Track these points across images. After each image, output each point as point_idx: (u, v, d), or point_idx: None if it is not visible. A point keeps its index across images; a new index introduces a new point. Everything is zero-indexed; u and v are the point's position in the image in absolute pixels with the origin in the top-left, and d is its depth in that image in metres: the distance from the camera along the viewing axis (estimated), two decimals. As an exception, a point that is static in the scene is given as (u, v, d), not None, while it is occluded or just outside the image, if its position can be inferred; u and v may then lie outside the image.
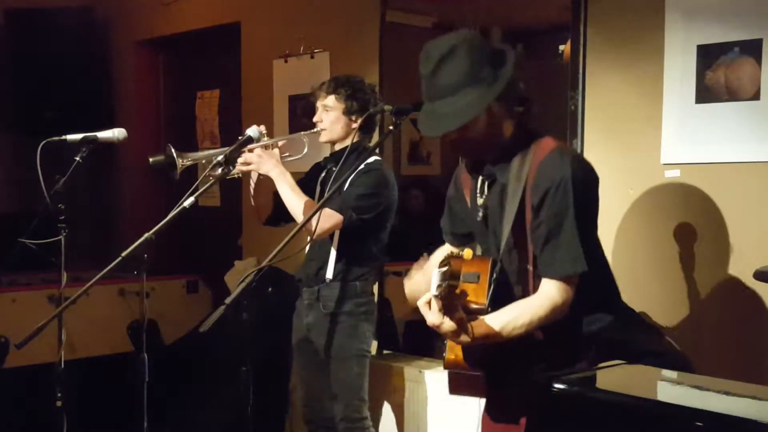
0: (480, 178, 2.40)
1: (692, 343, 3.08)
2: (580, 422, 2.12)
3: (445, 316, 2.11)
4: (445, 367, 2.33)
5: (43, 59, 5.52)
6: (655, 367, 2.46)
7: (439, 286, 2.03)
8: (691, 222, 3.14)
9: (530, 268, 2.28)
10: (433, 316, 2.12)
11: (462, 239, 2.55)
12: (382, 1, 4.17)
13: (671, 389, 2.40)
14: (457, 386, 2.43)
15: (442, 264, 2.05)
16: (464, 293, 2.18)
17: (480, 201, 2.40)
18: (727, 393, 2.21)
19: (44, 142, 3.12)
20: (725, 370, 2.87)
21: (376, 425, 3.84)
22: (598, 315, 2.35)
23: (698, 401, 2.17)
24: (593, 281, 2.28)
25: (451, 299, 2.07)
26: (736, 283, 3.03)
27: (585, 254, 2.23)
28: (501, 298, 2.28)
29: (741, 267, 2.97)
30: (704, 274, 3.12)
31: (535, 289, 2.28)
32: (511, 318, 2.23)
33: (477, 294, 2.25)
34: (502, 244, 2.29)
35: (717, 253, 3.08)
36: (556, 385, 2.14)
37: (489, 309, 2.23)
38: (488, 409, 2.51)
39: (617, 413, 2.05)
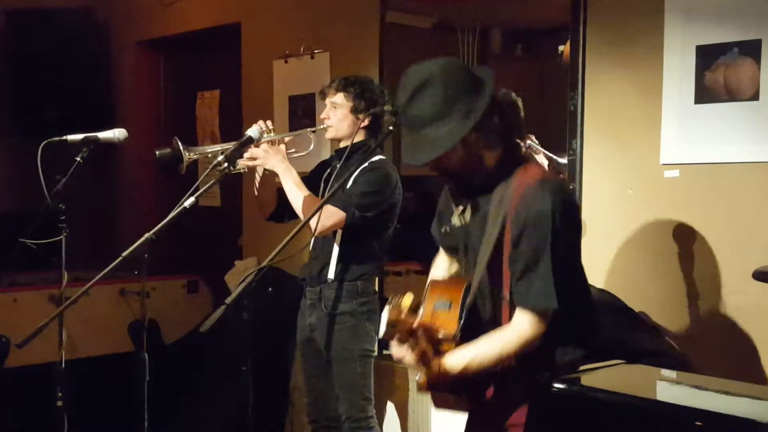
0: (462, 203, 2.40)
1: (692, 343, 3.09)
2: (580, 422, 2.12)
3: (407, 350, 2.15)
4: (418, 390, 2.35)
5: (43, 60, 5.52)
6: (655, 367, 2.47)
7: (385, 333, 2.08)
8: (690, 222, 3.15)
9: (506, 295, 2.27)
10: (395, 350, 2.20)
11: (452, 250, 2.56)
12: (382, 1, 4.17)
13: (671, 389, 2.40)
14: (440, 402, 2.44)
15: (390, 309, 2.09)
16: (430, 327, 2.19)
17: (458, 223, 2.41)
18: (726, 393, 2.22)
19: (45, 142, 3.12)
20: (725, 370, 2.87)
21: (380, 424, 3.85)
22: (570, 348, 2.33)
23: (698, 401, 2.17)
24: (569, 315, 2.26)
25: (410, 336, 2.10)
26: (735, 283, 3.03)
27: (558, 291, 2.21)
28: (473, 325, 2.28)
29: (741, 267, 2.97)
30: (704, 274, 3.12)
31: (509, 317, 2.27)
32: (479, 352, 2.23)
33: (448, 322, 2.24)
34: (480, 272, 2.29)
35: (716, 253, 3.08)
36: (556, 385, 2.15)
37: (458, 337, 2.22)
38: (470, 422, 2.52)
39: (617, 413, 2.06)
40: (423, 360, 2.15)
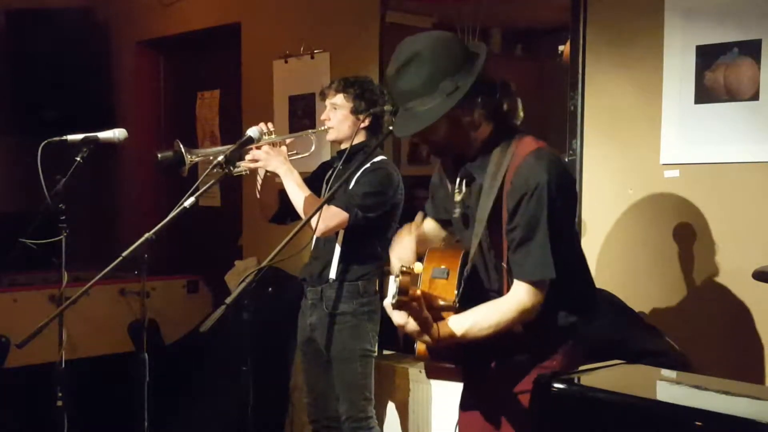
0: (458, 176, 2.40)
1: (692, 343, 3.09)
2: (580, 422, 2.12)
3: (409, 317, 2.15)
4: (416, 358, 2.35)
5: (43, 59, 5.53)
6: (655, 367, 2.47)
7: (393, 296, 2.06)
8: (690, 222, 3.15)
9: (505, 265, 2.30)
10: (397, 316, 2.18)
11: (445, 223, 2.58)
12: (382, 1, 4.17)
13: (671, 389, 2.41)
14: (433, 372, 2.44)
15: (398, 274, 2.07)
16: (429, 295, 2.20)
17: (458, 198, 2.41)
18: (726, 393, 2.22)
19: (45, 142, 3.12)
20: (725, 370, 2.88)
21: (380, 425, 3.84)
22: (572, 313, 2.36)
23: (698, 401, 2.17)
24: (568, 283, 2.29)
25: (412, 302, 2.09)
26: (735, 283, 3.03)
27: (556, 261, 2.23)
28: (472, 293, 2.30)
29: (740, 267, 2.97)
30: (704, 274, 3.12)
31: (510, 285, 2.29)
32: (478, 319, 2.24)
33: (446, 290, 2.26)
34: (476, 242, 2.31)
35: (716, 253, 3.08)
36: (556, 385, 2.15)
37: (457, 305, 2.24)
38: (464, 397, 2.54)
39: (617, 413, 2.06)
40: (424, 327, 2.16)
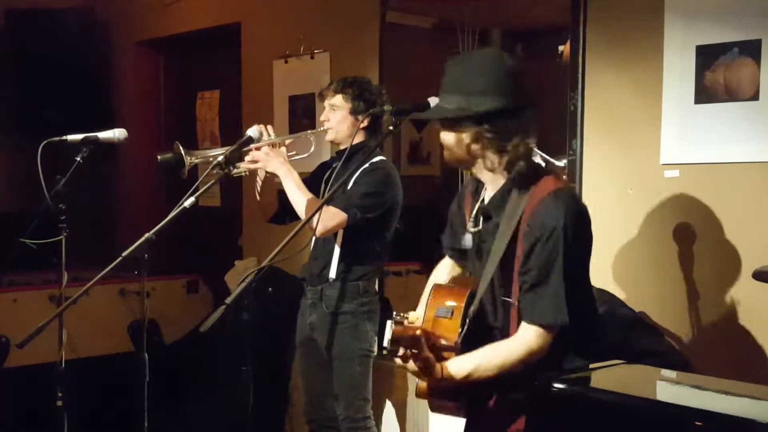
0: (477, 208, 2.39)
1: (692, 343, 3.09)
2: (580, 422, 2.12)
3: (409, 359, 2.14)
4: (416, 396, 2.33)
5: (43, 59, 5.53)
6: (655, 367, 2.47)
7: (387, 342, 2.07)
8: (690, 222, 3.15)
9: (514, 302, 2.27)
10: (398, 360, 2.16)
11: (461, 254, 2.55)
12: (382, 1, 4.17)
13: (671, 389, 2.40)
14: (437, 404, 2.43)
15: (393, 323, 2.08)
16: (432, 335, 2.19)
17: (472, 229, 2.40)
18: (726, 393, 2.22)
19: (45, 142, 3.12)
20: (725, 370, 2.88)
21: (377, 425, 3.84)
22: (578, 356, 2.32)
23: (698, 401, 2.17)
24: (576, 329, 2.26)
25: (413, 344, 2.09)
26: (735, 283, 3.03)
27: (569, 307, 2.21)
28: (477, 331, 2.27)
29: (740, 267, 2.97)
30: (703, 274, 3.12)
31: (517, 323, 2.26)
32: (482, 361, 2.22)
33: (449, 330, 2.23)
34: (487, 279, 2.29)
35: (716, 253, 3.08)
36: (556, 385, 2.15)
37: (459, 347, 2.22)
38: (468, 428, 2.51)
39: (617, 413, 2.05)
40: (425, 367, 2.16)
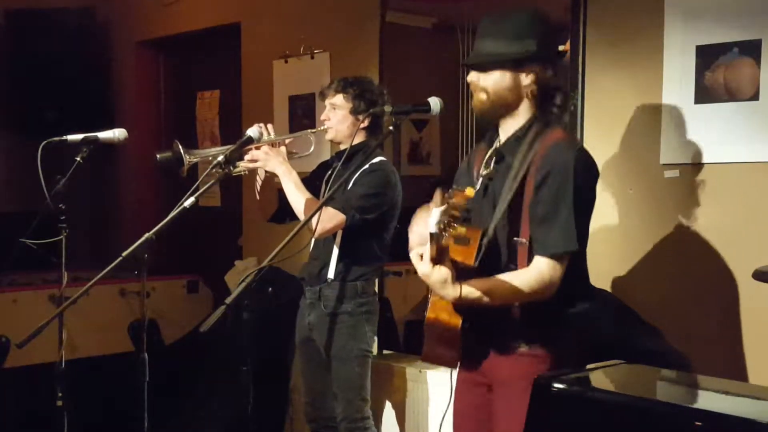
0: (489, 152, 2.49)
1: (692, 343, 3.09)
2: (580, 422, 2.12)
3: (435, 266, 2.19)
4: (424, 325, 2.39)
5: (43, 59, 5.53)
6: (655, 367, 2.47)
7: (439, 222, 2.07)
8: (690, 222, 3.15)
9: (524, 241, 2.35)
10: (423, 265, 2.22)
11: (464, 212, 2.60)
12: (382, 1, 4.17)
13: (671, 389, 2.41)
14: (432, 351, 2.46)
15: (442, 202, 2.10)
16: (451, 258, 2.23)
17: (483, 172, 2.48)
18: (726, 393, 2.22)
19: (45, 142, 3.12)
20: (725, 370, 2.88)
21: (377, 425, 3.84)
22: (576, 301, 2.40)
23: (698, 401, 2.17)
24: (576, 268, 2.36)
25: (442, 249, 2.14)
26: (735, 283, 3.03)
27: (578, 236, 2.31)
28: (489, 267, 2.34)
29: (740, 267, 2.97)
30: (704, 274, 3.12)
31: (526, 262, 2.35)
32: (500, 282, 2.30)
33: (466, 256, 2.30)
34: (498, 216, 2.38)
35: (716, 253, 3.08)
36: (556, 385, 2.15)
37: (476, 269, 2.29)
38: (460, 379, 2.57)
39: (617, 413, 2.06)
40: (450, 279, 2.21)
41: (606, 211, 3.35)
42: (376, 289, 3.56)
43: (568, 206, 2.30)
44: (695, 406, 2.02)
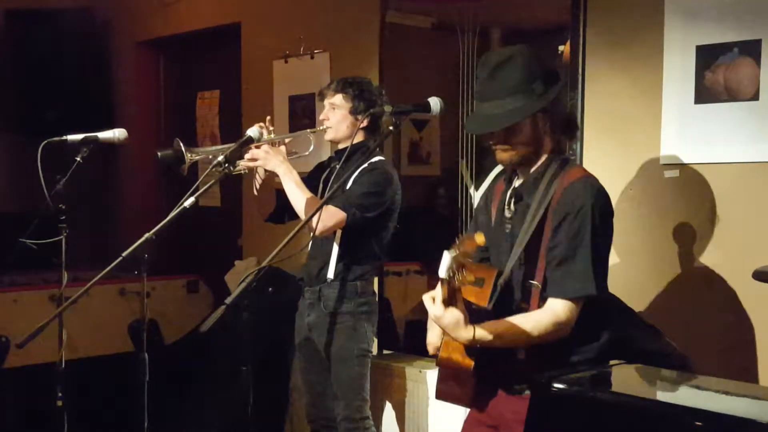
0: (508, 192, 2.48)
1: (692, 343, 3.08)
2: (580, 422, 2.12)
3: (447, 309, 2.18)
4: (437, 364, 2.38)
5: (43, 60, 5.53)
6: (655, 367, 2.46)
7: (449, 269, 2.07)
8: (690, 222, 3.15)
9: (538, 284, 2.33)
10: (435, 308, 2.21)
11: (482, 251, 2.58)
12: (382, 1, 4.17)
13: (671, 389, 2.40)
14: (445, 389, 2.45)
15: (452, 247, 2.09)
16: (464, 299, 2.23)
17: (508, 215, 2.48)
18: (727, 393, 2.22)
19: (45, 142, 3.12)
20: (725, 370, 2.87)
21: (377, 425, 3.84)
22: (584, 348, 2.38)
23: (698, 401, 2.17)
24: (592, 311, 2.34)
25: (454, 291, 2.14)
26: (735, 283, 3.03)
27: (596, 277, 2.30)
28: (502, 309, 2.33)
29: (740, 267, 2.97)
30: (704, 274, 3.12)
31: (538, 305, 2.33)
32: (513, 325, 2.28)
33: (480, 297, 2.30)
34: (514, 258, 2.37)
35: (716, 253, 3.08)
36: (556, 385, 2.15)
37: (490, 308, 2.29)
38: (468, 419, 2.56)
39: (617, 413, 2.05)
40: (462, 321, 2.21)
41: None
42: (376, 288, 3.56)
43: (586, 249, 2.29)
44: (695, 406, 2.01)
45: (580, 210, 2.30)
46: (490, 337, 2.25)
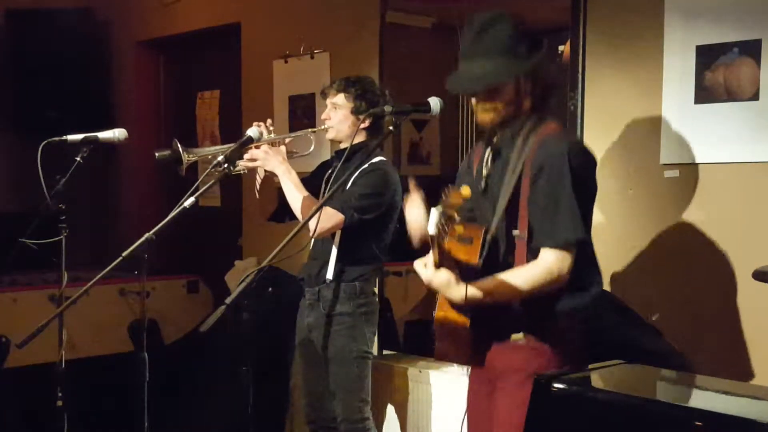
0: (487, 150, 2.50)
1: (692, 343, 3.09)
2: (580, 422, 2.12)
3: (438, 269, 2.22)
4: (434, 324, 2.40)
5: (43, 59, 5.53)
6: (655, 367, 2.47)
7: (437, 223, 2.09)
8: (690, 222, 3.15)
9: (522, 234, 2.36)
10: (427, 271, 2.26)
11: (467, 211, 2.60)
12: (382, 1, 4.17)
13: (671, 389, 2.41)
14: (443, 348, 2.47)
15: (440, 202, 2.11)
16: (455, 257, 2.26)
17: (484, 172, 2.50)
18: (726, 393, 2.22)
19: (45, 142, 3.12)
20: (725, 370, 2.88)
21: (379, 425, 3.84)
22: (579, 293, 2.41)
23: (698, 401, 2.17)
24: (582, 258, 2.38)
25: (443, 252, 2.17)
26: (735, 283, 3.03)
27: (583, 222, 2.33)
28: (491, 264, 2.36)
29: (740, 267, 2.97)
30: (703, 274, 3.12)
31: (524, 256, 2.36)
32: (505, 281, 2.31)
33: (470, 254, 2.32)
34: (499, 213, 2.39)
35: (716, 253, 3.08)
36: (556, 385, 2.15)
37: (480, 267, 2.31)
38: (472, 377, 2.60)
39: (617, 413, 2.06)
40: (454, 280, 2.23)
41: (606, 211, 3.35)
42: (376, 289, 3.56)
43: (568, 195, 2.31)
44: (695, 406, 2.02)
45: (557, 159, 2.33)
46: (481, 294, 2.28)
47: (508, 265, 2.38)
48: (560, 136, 2.40)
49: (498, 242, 2.41)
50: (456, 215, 2.10)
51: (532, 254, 2.36)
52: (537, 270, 2.33)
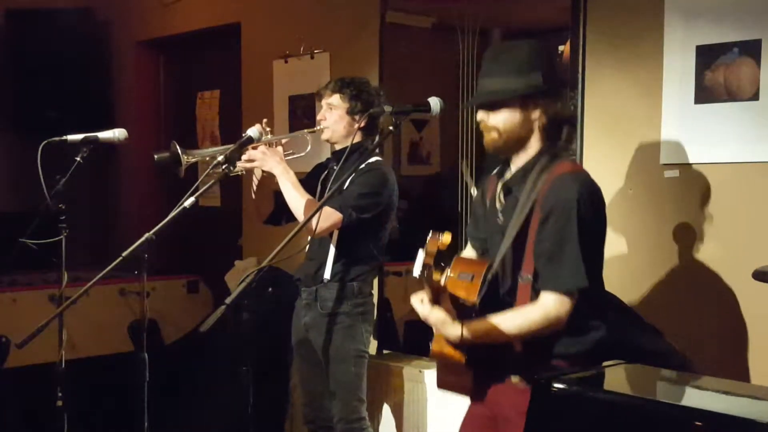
0: (499, 184, 2.48)
1: (692, 343, 3.09)
2: (580, 422, 2.12)
3: (434, 307, 2.20)
4: (430, 357, 2.40)
5: (43, 59, 5.53)
6: (655, 367, 2.46)
7: (421, 266, 2.10)
8: (690, 222, 3.15)
9: (526, 276, 2.33)
10: (422, 308, 2.24)
11: (482, 242, 2.60)
12: (382, 1, 4.17)
13: (671, 389, 2.40)
14: (445, 379, 2.46)
15: (430, 241, 2.12)
16: (453, 294, 2.25)
17: (498, 206, 2.48)
18: (726, 393, 2.22)
19: (45, 142, 3.12)
20: (725, 370, 2.88)
21: (375, 425, 3.84)
22: (579, 338, 2.38)
23: (698, 401, 2.17)
24: (585, 302, 2.34)
25: (438, 290, 2.15)
26: (735, 283, 3.03)
27: (587, 270, 2.29)
28: (490, 302, 2.34)
29: (740, 267, 2.97)
30: (703, 274, 3.12)
31: (527, 298, 2.33)
32: (502, 321, 2.28)
33: (469, 292, 2.30)
34: (503, 251, 2.37)
35: (716, 253, 3.08)
36: (556, 385, 2.15)
37: (477, 306, 2.29)
38: (470, 409, 2.57)
39: (617, 413, 2.05)
40: (449, 318, 2.22)
41: (606, 211, 3.35)
42: (374, 289, 3.56)
43: (573, 242, 2.28)
44: (695, 406, 2.01)
45: (566, 204, 2.29)
46: (477, 334, 2.26)
47: (508, 304, 2.35)
48: (571, 178, 2.34)
49: (499, 280, 2.40)
50: (432, 263, 2.11)
51: (536, 297, 2.35)
52: (535, 314, 2.30)
